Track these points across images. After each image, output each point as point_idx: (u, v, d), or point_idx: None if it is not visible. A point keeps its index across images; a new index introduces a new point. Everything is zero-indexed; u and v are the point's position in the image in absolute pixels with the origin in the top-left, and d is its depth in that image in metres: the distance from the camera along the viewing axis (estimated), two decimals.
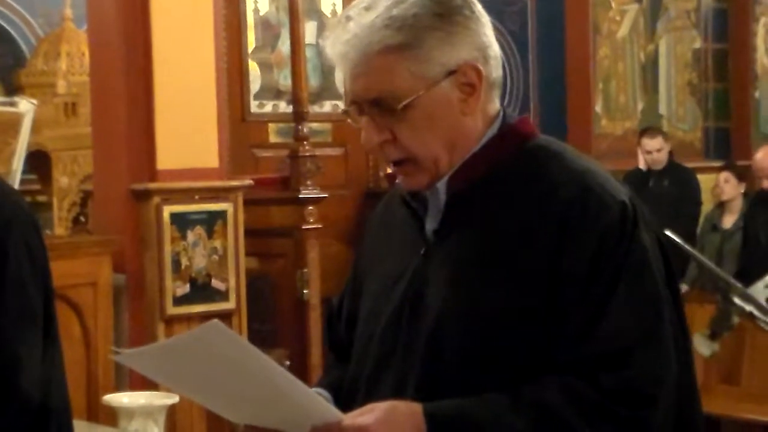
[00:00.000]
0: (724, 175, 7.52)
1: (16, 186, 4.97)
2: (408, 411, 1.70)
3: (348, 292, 2.02)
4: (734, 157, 9.04)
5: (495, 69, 1.82)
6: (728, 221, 7.40)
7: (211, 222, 5.20)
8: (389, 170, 6.92)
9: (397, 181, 1.88)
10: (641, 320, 1.72)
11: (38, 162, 6.69)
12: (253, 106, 6.97)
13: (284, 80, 6.81)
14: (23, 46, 7.78)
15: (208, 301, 5.17)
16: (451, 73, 1.77)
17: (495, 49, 1.83)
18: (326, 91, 7.18)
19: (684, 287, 6.95)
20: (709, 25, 9.78)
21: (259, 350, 1.65)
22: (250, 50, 6.97)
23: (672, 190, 7.66)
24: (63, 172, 6.67)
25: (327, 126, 7.08)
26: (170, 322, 5.10)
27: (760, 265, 5.67)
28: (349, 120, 1.84)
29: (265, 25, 7.06)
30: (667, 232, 1.55)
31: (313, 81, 6.89)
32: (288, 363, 4.95)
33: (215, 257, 5.19)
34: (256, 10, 7.02)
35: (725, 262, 7.08)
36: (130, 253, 5.12)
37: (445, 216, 1.82)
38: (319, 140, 6.74)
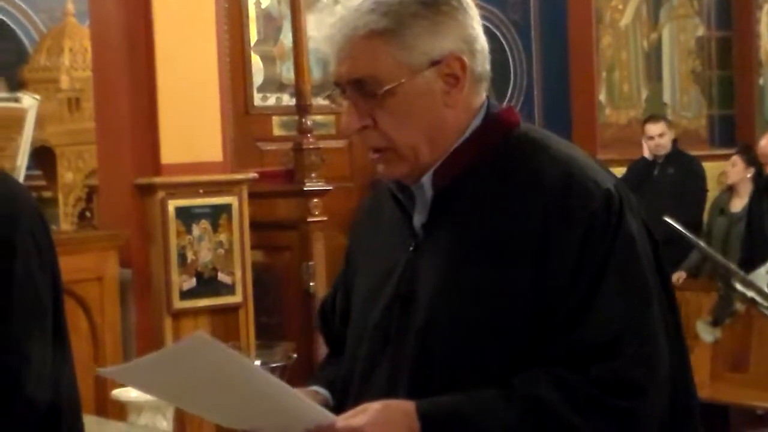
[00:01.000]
0: (733, 158, 7.50)
1: (21, 182, 4.98)
2: (401, 410, 1.69)
3: (340, 288, 2.02)
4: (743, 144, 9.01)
5: (481, 63, 1.81)
6: (737, 205, 7.37)
7: (216, 216, 5.21)
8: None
9: (377, 169, 1.87)
10: (629, 310, 1.71)
11: (43, 158, 6.69)
12: (257, 99, 6.97)
13: (287, 73, 6.81)
14: (26, 42, 7.78)
15: (215, 294, 5.17)
16: (435, 63, 1.76)
17: (482, 42, 1.82)
18: (329, 83, 7.17)
19: (682, 274, 6.95)
20: (712, 12, 9.75)
21: (246, 358, 1.65)
22: (252, 43, 6.97)
23: (677, 177, 7.64)
24: (68, 168, 6.67)
25: (331, 118, 7.07)
26: (177, 316, 5.11)
27: (764, 252, 5.67)
28: (332, 103, 1.85)
29: (267, 18, 7.05)
30: (668, 219, 1.54)
31: (315, 73, 6.87)
32: (294, 356, 4.95)
33: (221, 251, 5.19)
34: (257, 3, 7.01)
35: (732, 247, 7.07)
36: (136, 247, 5.13)
37: (433, 210, 1.81)
38: (323, 132, 6.74)
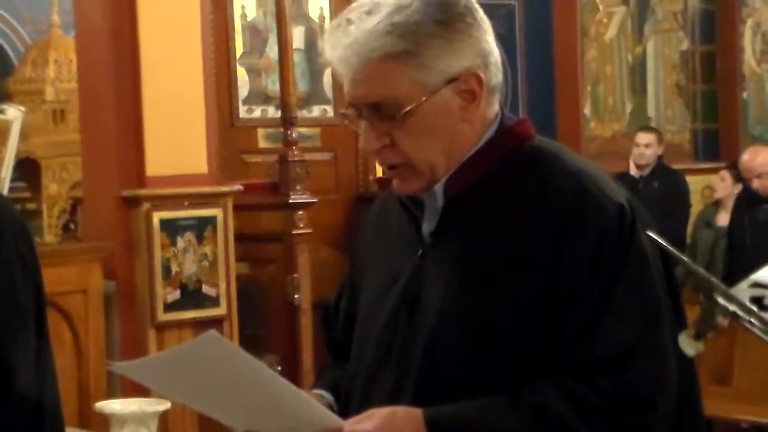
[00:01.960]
0: (721, 173, 7.53)
1: (5, 193, 4.97)
2: (408, 416, 1.69)
3: (345, 291, 2.02)
4: (723, 159, 9.05)
5: (495, 75, 1.81)
6: (723, 219, 7.40)
7: (201, 228, 5.20)
8: (380, 174, 6.94)
9: (393, 184, 1.87)
10: (640, 324, 1.71)
11: (27, 169, 6.67)
12: (242, 111, 6.97)
13: (272, 85, 6.81)
14: (11, 54, 7.77)
15: (199, 306, 5.16)
16: (451, 80, 1.76)
17: (496, 55, 1.82)
18: (315, 95, 7.18)
19: None
20: (696, 26, 9.80)
21: (256, 359, 1.65)
22: (238, 55, 6.97)
23: (661, 192, 7.68)
24: (52, 180, 6.65)
25: (316, 131, 7.08)
26: (161, 328, 5.10)
27: (746, 266, 5.67)
28: (346, 121, 1.83)
29: (253, 31, 7.06)
30: (650, 234, 1.55)
31: (301, 86, 6.89)
32: (279, 368, 4.95)
33: (205, 263, 5.18)
34: (243, 16, 7.01)
35: (718, 260, 7.09)
36: (120, 259, 5.12)
37: (442, 218, 1.81)
38: (308, 145, 6.74)
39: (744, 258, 6.39)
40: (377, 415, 1.69)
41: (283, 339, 5.68)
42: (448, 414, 1.70)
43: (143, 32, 5.13)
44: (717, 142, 9.81)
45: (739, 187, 7.37)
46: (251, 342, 5.44)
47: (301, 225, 5.73)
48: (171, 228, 5.11)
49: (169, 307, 5.09)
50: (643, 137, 7.90)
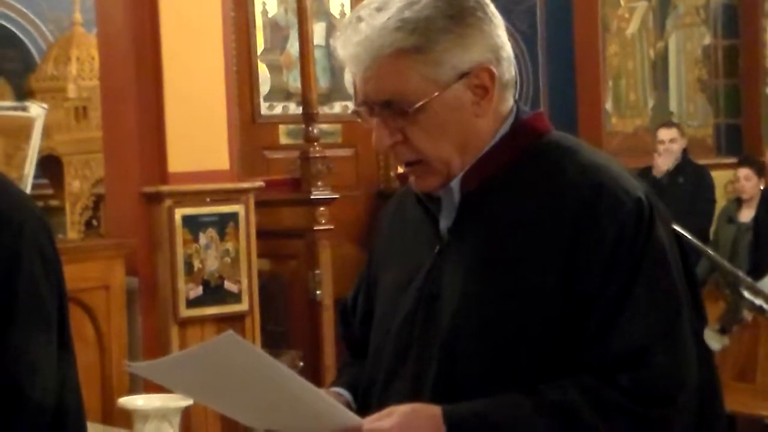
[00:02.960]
0: (744, 172, 7.48)
1: (28, 190, 4.99)
2: (428, 414, 1.69)
3: (362, 289, 2.01)
4: (747, 153, 9.00)
5: (508, 70, 1.80)
6: (746, 215, 7.38)
7: (223, 224, 5.21)
8: (400, 170, 6.93)
9: (409, 181, 1.87)
10: (659, 319, 1.70)
11: (50, 166, 6.71)
12: (263, 107, 6.97)
13: (294, 82, 6.82)
14: (33, 51, 7.81)
15: (221, 303, 5.17)
16: (463, 75, 1.75)
17: (508, 49, 1.81)
18: (336, 92, 7.18)
19: None
20: (719, 21, 9.75)
21: (274, 359, 1.65)
22: (259, 52, 6.98)
23: (686, 187, 7.65)
24: (75, 176, 6.69)
25: (337, 127, 7.08)
26: (183, 324, 5.11)
27: None
28: (359, 119, 1.82)
29: (274, 27, 7.06)
30: (676, 227, 1.54)
31: (322, 82, 6.90)
32: (301, 364, 4.96)
33: (227, 259, 5.19)
34: (264, 12, 7.02)
35: (740, 255, 7.06)
36: (143, 256, 5.14)
37: (460, 214, 1.80)
38: (330, 141, 6.74)
39: None
40: (397, 412, 1.68)
41: (305, 335, 5.68)
42: (468, 411, 1.69)
43: (165, 29, 5.14)
44: (740, 137, 9.76)
45: (764, 182, 7.35)
46: (273, 338, 5.46)
47: (323, 221, 5.74)
48: (193, 224, 5.13)
49: (191, 303, 5.10)
50: (666, 133, 7.82)
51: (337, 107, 7.15)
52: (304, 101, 5.97)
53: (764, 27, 9.80)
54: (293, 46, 6.72)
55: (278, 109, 7.02)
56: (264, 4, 7.00)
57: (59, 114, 6.70)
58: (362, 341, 1.95)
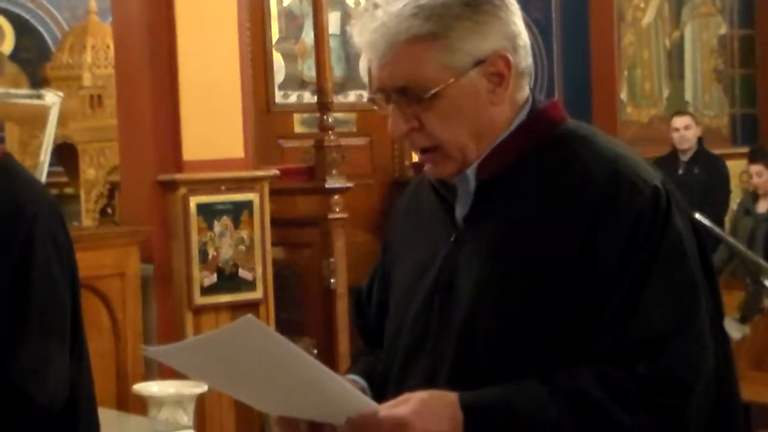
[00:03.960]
0: (756, 168, 7.47)
1: (44, 178, 5.01)
2: (444, 401, 1.68)
3: (378, 278, 2.01)
4: (763, 143, 8.98)
5: (524, 58, 1.80)
6: (762, 206, 7.40)
7: (238, 212, 5.22)
8: (415, 159, 6.93)
9: (424, 169, 1.87)
10: (676, 307, 1.69)
11: (65, 154, 6.73)
12: (278, 96, 6.98)
13: (308, 70, 6.82)
14: (49, 40, 7.82)
15: (236, 290, 5.19)
16: (479, 62, 1.75)
17: (524, 37, 1.80)
18: (350, 81, 7.18)
19: None
20: (735, 10, 9.72)
21: (292, 343, 1.65)
22: (274, 41, 6.98)
23: (702, 177, 7.65)
24: (90, 164, 6.70)
25: (351, 116, 7.08)
26: (198, 312, 5.13)
27: None
28: (375, 107, 1.82)
29: (289, 16, 7.06)
30: (699, 216, 1.53)
31: (337, 71, 6.89)
32: (315, 352, 4.96)
33: (242, 247, 5.20)
34: (279, 1, 7.02)
35: (757, 247, 7.06)
36: (158, 243, 5.15)
37: (475, 202, 1.80)
38: (344, 130, 6.75)
39: None
40: (413, 399, 1.68)
41: (319, 323, 5.69)
42: (484, 398, 1.69)
43: (180, 18, 5.15)
44: (756, 127, 9.73)
45: None
46: (287, 326, 5.47)
47: (337, 210, 5.74)
48: (208, 212, 5.14)
49: (205, 291, 5.12)
50: (680, 120, 7.90)
51: (351, 96, 7.15)
52: (319, 90, 5.97)
53: None
54: (308, 35, 6.72)
55: (293, 98, 7.03)
56: None
57: (74, 102, 6.71)
58: (378, 330, 1.95)
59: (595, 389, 1.66)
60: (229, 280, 5.16)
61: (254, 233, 5.24)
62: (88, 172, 6.67)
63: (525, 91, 1.82)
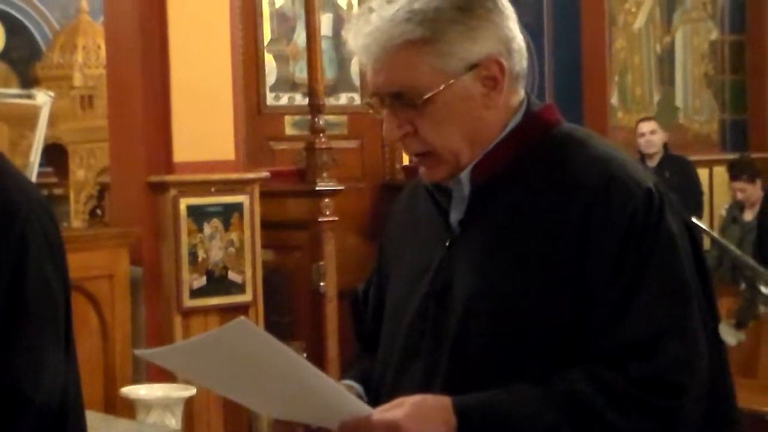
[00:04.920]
0: (739, 185, 7.51)
1: (34, 179, 4.99)
2: (438, 405, 1.69)
3: (374, 282, 2.01)
4: (752, 149, 9.01)
5: (519, 62, 1.80)
6: (749, 215, 7.43)
7: (228, 214, 5.21)
8: (406, 162, 6.93)
9: (419, 172, 1.87)
10: (669, 309, 1.70)
11: (55, 155, 6.71)
12: (269, 98, 6.96)
13: (300, 72, 6.81)
14: (39, 39, 7.81)
15: (225, 293, 5.18)
16: (473, 67, 1.75)
17: (519, 41, 1.80)
18: (342, 83, 7.17)
19: None
20: (726, 16, 9.74)
21: (285, 346, 1.64)
22: (265, 42, 6.96)
23: (674, 180, 7.66)
24: (80, 165, 6.69)
25: (343, 118, 7.07)
26: (187, 314, 5.11)
27: None
28: (371, 111, 1.82)
29: (281, 18, 7.05)
30: (695, 221, 1.54)
31: (328, 73, 6.88)
32: (305, 355, 4.94)
33: (232, 250, 5.19)
34: (271, 3, 7.01)
35: (746, 254, 7.08)
36: (147, 245, 5.14)
37: (470, 206, 1.80)
38: (335, 132, 6.74)
39: None
40: (406, 403, 1.68)
41: (309, 326, 5.68)
42: (478, 402, 1.69)
43: (172, 19, 5.14)
44: (746, 133, 9.76)
45: (758, 183, 7.39)
46: (276, 329, 5.45)
47: (328, 212, 5.73)
48: (198, 214, 5.13)
49: (195, 293, 5.11)
50: (645, 125, 8.00)
51: (343, 98, 7.15)
52: (311, 92, 5.96)
53: None
54: (300, 37, 6.71)
55: (284, 100, 7.01)
56: None
57: (65, 102, 6.70)
58: (373, 334, 1.95)
59: (589, 391, 1.66)
60: (218, 282, 5.15)
61: (244, 236, 5.23)
62: (78, 173, 6.66)
63: (520, 95, 1.82)
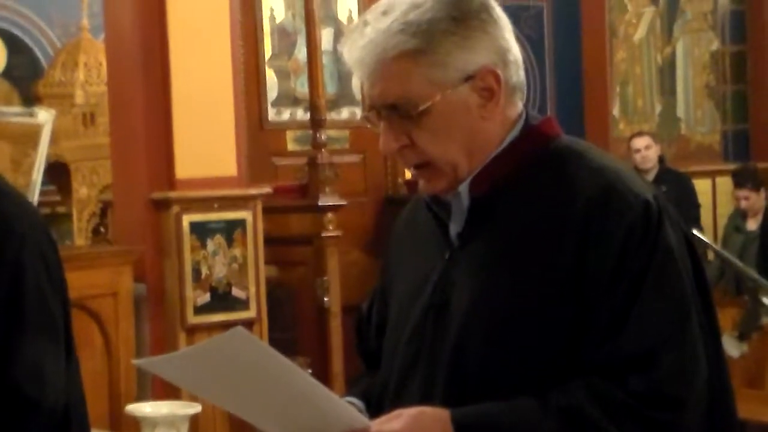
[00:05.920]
0: (743, 193, 7.48)
1: (36, 197, 4.99)
2: (436, 417, 1.68)
3: (377, 298, 2.01)
4: (753, 160, 8.99)
5: (515, 73, 1.80)
6: (752, 224, 7.40)
7: (231, 230, 5.20)
8: (408, 176, 6.93)
9: (418, 185, 1.87)
10: (667, 321, 1.70)
11: (57, 173, 6.71)
12: (271, 113, 6.97)
13: (301, 87, 6.82)
14: (41, 57, 7.81)
15: (229, 310, 5.17)
16: (468, 78, 1.75)
17: (515, 52, 1.80)
18: (343, 97, 7.18)
19: None
20: (726, 26, 9.74)
21: (283, 356, 1.64)
22: (266, 58, 6.98)
23: (672, 194, 7.63)
24: (82, 183, 6.69)
25: (345, 133, 7.08)
26: (191, 331, 5.10)
27: None
28: (368, 125, 1.83)
29: (282, 33, 7.06)
30: (697, 233, 1.53)
31: (330, 88, 6.89)
32: (309, 371, 4.94)
33: (235, 266, 5.19)
34: (272, 18, 7.02)
35: (748, 264, 7.06)
36: (151, 262, 5.13)
37: (469, 219, 1.80)
38: (337, 147, 6.74)
39: None
40: (405, 415, 1.68)
41: (313, 342, 5.68)
42: (476, 415, 1.69)
43: (173, 35, 5.14)
44: (747, 143, 9.75)
45: (762, 193, 7.38)
46: (281, 345, 5.41)
47: (331, 228, 5.73)
48: (201, 231, 5.12)
49: (199, 310, 5.10)
50: (640, 141, 7.86)
51: (344, 113, 7.15)
52: (312, 107, 5.97)
53: None
54: (301, 52, 6.72)
55: (286, 115, 7.02)
56: (272, 9, 7.00)
57: (67, 120, 6.70)
58: (377, 352, 1.95)
59: (587, 404, 1.66)
60: (222, 299, 5.14)
61: (247, 252, 5.22)
62: (81, 190, 6.65)
63: (518, 107, 1.82)
